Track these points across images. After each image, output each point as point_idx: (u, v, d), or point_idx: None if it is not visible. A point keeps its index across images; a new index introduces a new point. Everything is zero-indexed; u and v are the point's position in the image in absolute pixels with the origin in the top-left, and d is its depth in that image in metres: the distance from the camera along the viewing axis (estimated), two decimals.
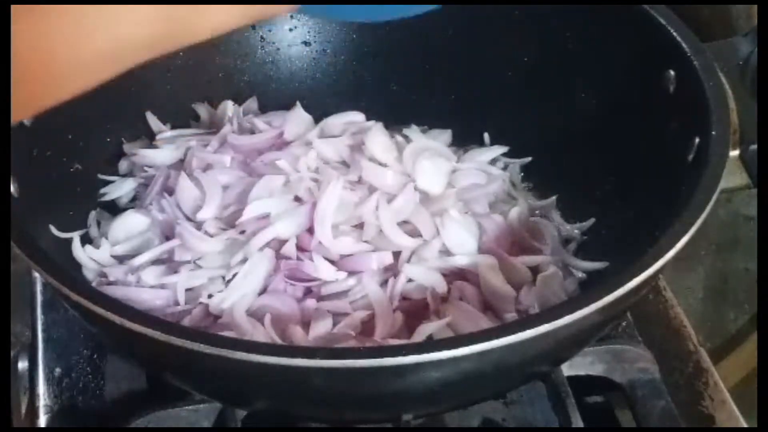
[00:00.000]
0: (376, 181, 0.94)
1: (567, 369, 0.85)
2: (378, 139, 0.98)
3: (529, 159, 1.03)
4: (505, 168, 1.02)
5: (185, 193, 0.93)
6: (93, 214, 0.95)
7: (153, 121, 1.03)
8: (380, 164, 0.96)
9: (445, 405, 0.81)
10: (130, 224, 0.93)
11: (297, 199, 0.92)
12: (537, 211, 0.99)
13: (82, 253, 0.90)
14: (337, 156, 0.98)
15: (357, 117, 1.04)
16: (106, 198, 0.97)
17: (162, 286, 0.87)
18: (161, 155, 0.99)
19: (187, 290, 0.87)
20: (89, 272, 0.90)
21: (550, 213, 0.99)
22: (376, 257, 0.89)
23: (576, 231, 0.96)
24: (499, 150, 1.03)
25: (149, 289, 0.87)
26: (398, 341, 0.82)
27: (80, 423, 0.88)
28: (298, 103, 1.04)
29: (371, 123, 1.01)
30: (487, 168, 1.00)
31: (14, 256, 0.72)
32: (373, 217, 0.91)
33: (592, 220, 0.96)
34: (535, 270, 0.90)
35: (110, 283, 0.88)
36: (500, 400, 0.87)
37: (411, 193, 0.93)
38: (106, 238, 0.92)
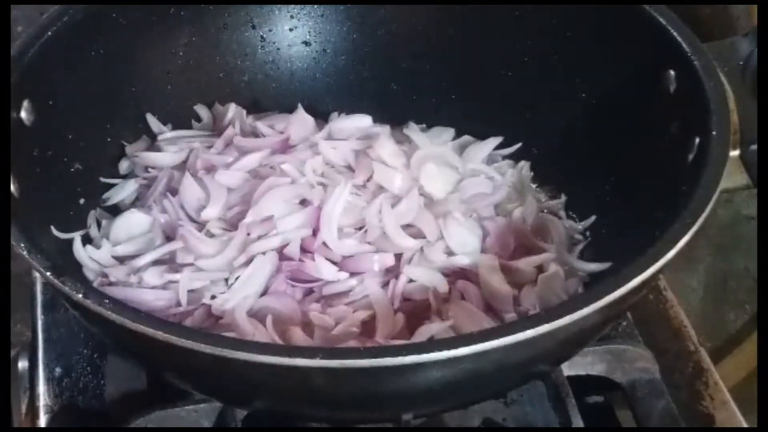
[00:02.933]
0: (385, 182, 0.94)
1: (567, 369, 0.85)
2: (386, 145, 0.98)
3: (523, 158, 1.02)
4: (516, 162, 1.02)
5: (189, 193, 0.93)
6: (93, 214, 0.95)
7: (153, 122, 1.02)
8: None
9: (445, 405, 0.80)
10: (132, 224, 0.93)
11: (302, 201, 0.92)
12: (545, 210, 0.99)
13: (82, 253, 0.89)
14: (343, 160, 0.98)
15: (364, 121, 1.03)
16: (110, 203, 0.97)
17: (164, 287, 0.87)
18: (165, 158, 0.99)
19: (189, 291, 0.87)
20: (90, 272, 0.90)
21: (559, 213, 0.98)
22: (378, 258, 0.89)
23: (580, 229, 0.96)
24: (494, 142, 1.02)
25: (151, 290, 0.87)
26: (399, 342, 0.82)
27: (80, 423, 0.88)
28: (300, 105, 1.04)
29: (378, 128, 1.01)
30: (489, 171, 1.00)
31: (14, 256, 0.72)
32: (376, 220, 0.91)
33: (592, 218, 0.96)
34: (539, 269, 0.90)
35: (111, 284, 0.88)
36: (500, 400, 0.87)
37: (415, 197, 0.93)
38: (107, 238, 0.92)
